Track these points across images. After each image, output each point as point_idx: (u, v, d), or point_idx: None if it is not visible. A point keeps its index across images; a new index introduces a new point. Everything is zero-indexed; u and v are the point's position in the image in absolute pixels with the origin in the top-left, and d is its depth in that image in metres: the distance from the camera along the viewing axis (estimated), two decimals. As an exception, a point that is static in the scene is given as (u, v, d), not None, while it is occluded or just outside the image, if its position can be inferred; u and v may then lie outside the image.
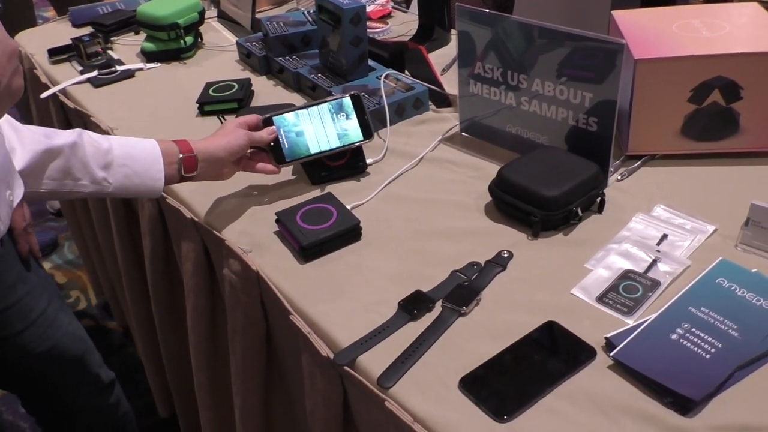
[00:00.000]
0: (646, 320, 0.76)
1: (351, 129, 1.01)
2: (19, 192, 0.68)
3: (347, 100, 1.06)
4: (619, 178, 1.02)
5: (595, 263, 0.87)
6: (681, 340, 0.73)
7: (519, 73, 1.04)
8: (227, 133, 0.99)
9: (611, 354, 0.73)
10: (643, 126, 1.03)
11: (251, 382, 1.02)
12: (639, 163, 1.05)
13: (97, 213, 1.55)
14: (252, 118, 1.04)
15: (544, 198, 0.90)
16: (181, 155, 0.95)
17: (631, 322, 0.78)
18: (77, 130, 0.90)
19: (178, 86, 1.46)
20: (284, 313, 0.86)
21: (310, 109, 1.06)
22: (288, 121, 1.05)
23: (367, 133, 1.06)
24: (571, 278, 0.85)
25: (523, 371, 0.74)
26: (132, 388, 1.81)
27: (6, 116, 0.78)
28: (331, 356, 0.79)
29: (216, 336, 1.15)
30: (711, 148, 1.04)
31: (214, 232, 1.00)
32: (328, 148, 1.01)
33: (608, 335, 0.75)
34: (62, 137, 0.88)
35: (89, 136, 0.91)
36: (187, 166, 0.96)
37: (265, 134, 1.02)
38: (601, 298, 0.82)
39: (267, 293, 0.91)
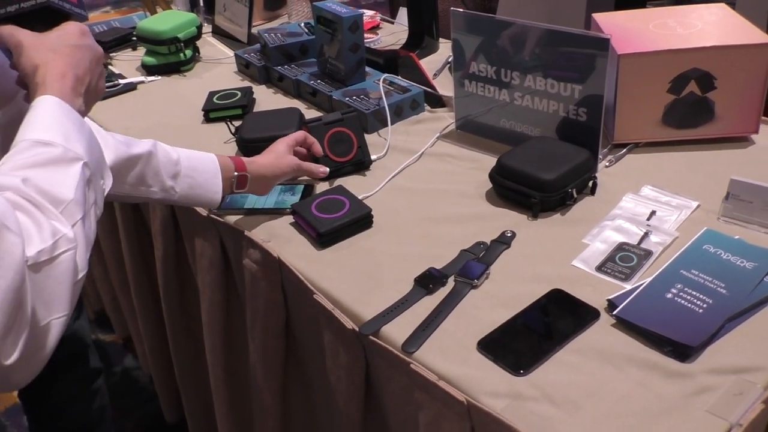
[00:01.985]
0: (643, 283, 0.84)
1: (289, 200, 1.08)
2: (108, 182, 0.74)
3: (300, 187, 1.12)
4: (607, 164, 1.11)
5: (591, 238, 0.94)
6: (676, 299, 0.80)
7: (512, 70, 1.12)
8: (279, 157, 1.06)
9: (614, 313, 0.80)
10: (628, 116, 1.12)
11: (270, 370, 1.07)
12: (625, 150, 1.13)
13: (103, 219, 1.59)
14: (300, 135, 1.11)
15: (543, 181, 0.98)
16: (236, 173, 1.01)
17: (629, 286, 0.85)
18: (151, 140, 0.96)
19: (181, 96, 1.52)
20: (306, 295, 0.92)
21: None
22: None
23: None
24: (571, 252, 0.92)
25: (534, 332, 0.81)
26: (135, 398, 1.84)
27: (91, 122, 0.85)
28: (356, 329, 0.85)
29: (231, 329, 1.20)
30: (690, 134, 1.13)
31: (234, 226, 1.06)
32: (260, 206, 1.08)
33: (610, 297, 0.82)
34: (140, 146, 0.93)
35: (162, 146, 0.97)
36: (240, 183, 1.02)
37: (315, 169, 1.10)
38: (600, 268, 0.89)
39: (288, 278, 0.97)
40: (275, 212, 1.07)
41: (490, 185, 1.07)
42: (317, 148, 1.13)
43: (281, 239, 1.01)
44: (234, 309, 1.18)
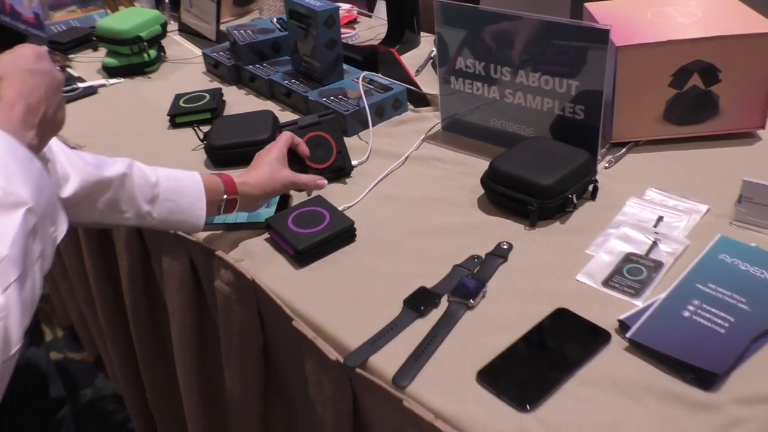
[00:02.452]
0: (656, 300, 0.76)
1: (264, 213, 0.98)
2: (63, 228, 0.63)
3: (275, 199, 1.02)
4: (606, 165, 1.03)
5: (595, 248, 0.87)
6: (694, 317, 0.73)
7: (502, 65, 1.04)
8: (273, 172, 0.95)
9: (627, 335, 0.72)
10: (627, 113, 1.04)
11: (249, 397, 0.98)
12: (624, 150, 1.06)
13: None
14: (288, 137, 1.01)
15: (540, 187, 0.90)
16: (225, 196, 0.91)
17: (640, 303, 0.77)
18: (127, 160, 0.85)
19: (145, 100, 1.41)
20: (284, 321, 0.83)
21: None
22: None
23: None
24: (574, 265, 0.85)
25: (539, 360, 0.73)
26: (107, 422, 1.74)
27: (57, 141, 0.74)
28: (341, 360, 0.76)
29: (205, 354, 1.10)
30: (693, 131, 1.05)
31: (203, 243, 0.96)
32: (232, 221, 0.98)
33: (621, 317, 0.74)
34: (113, 168, 0.82)
35: (138, 167, 0.86)
36: (228, 206, 0.92)
37: (312, 181, 1.00)
38: (607, 282, 0.81)
39: (264, 302, 0.88)
40: (248, 227, 0.98)
41: (482, 191, 0.99)
42: (304, 148, 1.03)
43: (256, 257, 0.92)
44: (208, 332, 1.09)
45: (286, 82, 1.30)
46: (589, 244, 0.88)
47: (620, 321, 0.74)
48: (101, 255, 1.33)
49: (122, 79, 1.50)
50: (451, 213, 0.97)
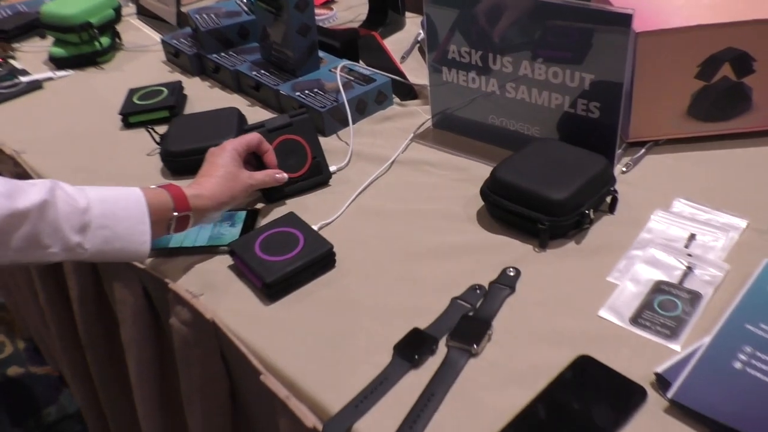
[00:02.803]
0: (698, 346, 0.63)
1: (228, 234, 0.84)
2: None
3: (242, 213, 0.88)
4: (624, 169, 0.89)
5: (619, 275, 0.73)
6: (747, 369, 0.60)
7: (502, 55, 0.89)
8: (230, 180, 0.82)
9: (668, 395, 0.59)
10: (646, 108, 0.90)
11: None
12: (643, 150, 0.92)
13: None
14: (252, 139, 0.87)
15: (552, 202, 0.76)
16: (176, 214, 0.76)
17: (678, 347, 0.64)
18: (48, 182, 0.70)
19: (97, 96, 1.25)
20: (252, 372, 0.69)
21: None
22: None
23: None
24: (595, 296, 0.71)
25: (564, 426, 0.59)
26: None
27: None
28: (319, 427, 0.62)
29: (167, 391, 0.97)
30: (721, 128, 0.92)
31: (153, 273, 0.82)
32: (190, 245, 0.83)
33: (658, 370, 0.61)
34: (29, 196, 0.67)
35: (63, 190, 0.71)
36: (180, 224, 0.78)
37: (270, 178, 0.87)
38: (636, 320, 0.68)
39: (228, 347, 0.74)
40: (208, 251, 0.83)
41: (481, 202, 0.85)
42: (271, 157, 0.89)
43: (217, 290, 0.78)
44: (170, 368, 0.95)
45: (254, 73, 1.15)
46: (611, 270, 0.74)
47: (658, 375, 0.61)
48: (51, 274, 1.18)
49: (71, 72, 1.34)
50: (446, 230, 0.83)
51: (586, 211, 0.77)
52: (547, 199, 0.76)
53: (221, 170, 0.82)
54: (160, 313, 0.89)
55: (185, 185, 0.80)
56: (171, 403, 0.97)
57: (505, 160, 0.83)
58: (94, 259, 0.74)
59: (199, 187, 0.80)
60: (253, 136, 0.87)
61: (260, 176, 0.86)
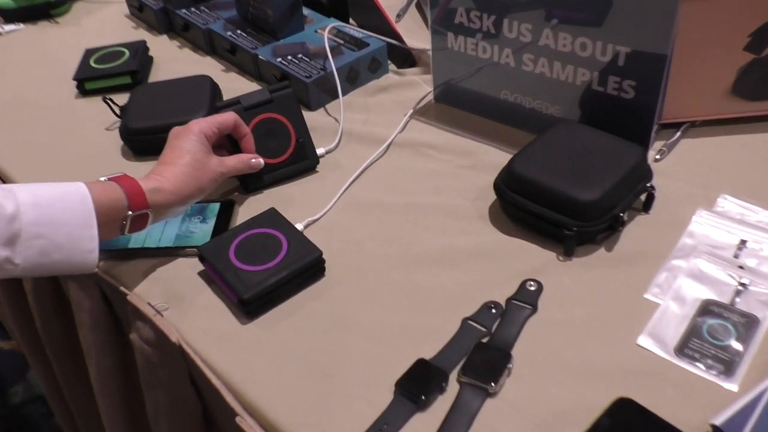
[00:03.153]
0: (761, 389, 0.53)
1: (198, 233, 0.72)
2: None
3: (215, 206, 0.75)
4: (657, 157, 0.77)
5: (659, 292, 0.62)
6: (824, 423, 0.50)
7: (520, 21, 0.76)
8: (198, 168, 0.69)
9: (730, 455, 0.49)
10: (685, 84, 0.78)
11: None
12: (679, 133, 0.80)
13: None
14: (227, 119, 0.73)
15: (581, 203, 0.64)
16: (130, 213, 0.64)
17: (734, 387, 0.54)
18: None
19: (50, 55, 1.10)
20: (227, 409, 0.58)
21: None
22: None
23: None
24: (631, 318, 0.60)
25: (601, 492, 0.49)
26: (39, 428, 1.51)
27: None
28: (307, 487, 0.52)
29: (134, 401, 0.86)
30: (768, 108, 0.80)
31: (109, 279, 0.70)
32: (152, 246, 0.71)
33: (716, 422, 0.51)
34: None
35: None
36: (136, 224, 0.65)
37: (245, 164, 0.75)
38: (682, 350, 0.57)
39: (198, 375, 0.62)
40: (175, 254, 0.71)
41: (492, 195, 0.73)
42: (251, 143, 0.76)
43: (185, 303, 0.66)
44: (135, 377, 0.84)
45: (229, 33, 1.00)
46: (649, 284, 0.63)
47: (714, 427, 0.51)
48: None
49: (22, 25, 1.18)
50: (452, 230, 0.71)
51: (621, 214, 0.65)
52: (575, 200, 0.65)
53: (186, 157, 0.69)
54: (122, 322, 0.77)
55: (142, 177, 0.67)
56: (137, 415, 0.86)
57: (524, 149, 0.71)
58: (30, 274, 0.62)
59: (159, 179, 0.67)
60: (228, 117, 0.73)
61: (232, 162, 0.73)
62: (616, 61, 0.71)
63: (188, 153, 0.69)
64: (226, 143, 0.76)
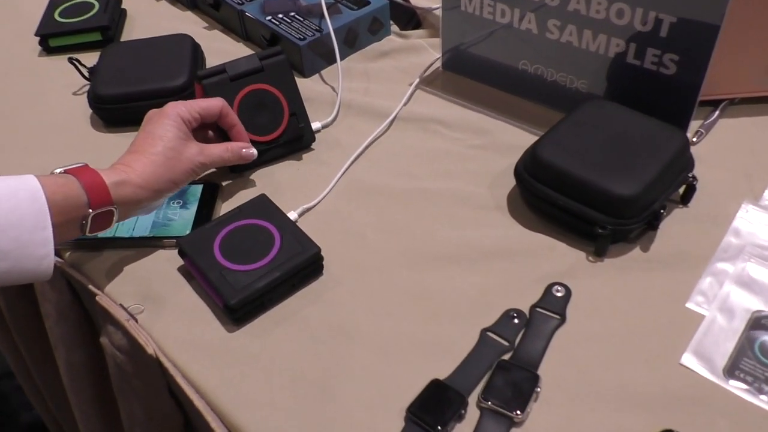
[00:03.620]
0: (828, 423, 0.46)
1: (178, 221, 0.63)
2: None
3: (196, 188, 0.66)
4: (694, 140, 0.69)
5: (703, 301, 0.55)
6: None
7: (547, -18, 0.66)
8: (171, 158, 0.59)
9: (797, 507, 0.42)
10: (728, 57, 0.69)
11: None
12: (717, 112, 0.72)
13: None
14: (212, 105, 0.63)
15: (617, 198, 0.56)
16: (91, 211, 0.54)
17: (794, 419, 0.48)
18: None
19: (8, 5, 0.98)
20: (210, 433, 0.51)
21: None
22: None
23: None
24: (673, 332, 0.53)
25: None
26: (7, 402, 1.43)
27: None
28: None
29: (109, 398, 0.78)
30: (818, 85, 0.71)
31: (75, 274, 0.61)
32: (125, 236, 0.62)
33: (779, 463, 0.44)
34: None
35: None
36: (98, 222, 0.55)
37: (234, 154, 0.65)
38: (732, 372, 0.50)
39: (179, 391, 0.54)
40: (150, 244, 0.62)
41: (510, 179, 0.65)
42: (241, 134, 0.66)
43: (162, 304, 0.58)
44: (108, 373, 0.76)
45: (211, -14, 0.89)
46: (691, 291, 0.56)
47: (777, 470, 0.44)
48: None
49: (-22, -29, 1.05)
50: (466, 221, 0.63)
51: (661, 211, 0.58)
52: (611, 194, 0.56)
53: (159, 145, 0.59)
54: (92, 316, 0.69)
55: (106, 168, 0.57)
56: (111, 413, 0.79)
57: (550, 132, 0.62)
58: None
59: (125, 170, 0.57)
60: (213, 103, 0.63)
61: (217, 151, 0.63)
62: (657, 32, 0.62)
63: (161, 140, 0.59)
64: (213, 128, 0.67)
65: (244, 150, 0.65)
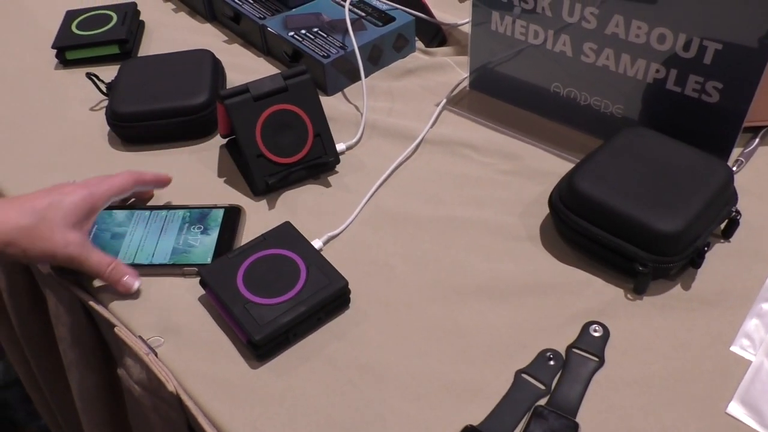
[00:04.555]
0: None
1: (199, 247, 0.61)
2: None
3: (218, 213, 0.64)
4: (734, 169, 0.67)
5: (749, 345, 0.53)
6: None
7: (584, 4, 0.64)
8: (34, 227, 0.55)
9: None
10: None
11: None
12: (758, 140, 0.69)
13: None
14: (122, 185, 0.61)
15: (661, 234, 0.54)
16: None
17: None
18: None
19: (28, 15, 0.97)
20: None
21: (155, 212, 0.65)
22: (113, 218, 0.64)
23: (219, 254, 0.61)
24: (717, 378, 0.51)
25: None
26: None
27: None
28: None
29: (121, 422, 0.76)
30: None
31: (91, 302, 0.59)
32: (144, 262, 0.60)
33: None
34: None
35: None
36: None
37: (107, 273, 0.58)
38: (782, 423, 0.48)
39: (198, 427, 0.52)
40: (170, 272, 0.60)
41: (543, 208, 0.63)
42: (156, 178, 0.65)
43: (183, 336, 0.56)
44: (122, 398, 0.74)
45: (232, -1, 0.87)
46: (735, 333, 0.53)
47: None
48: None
49: (-6, -21, 1.04)
50: (498, 252, 0.61)
51: (705, 248, 0.55)
52: (653, 230, 0.54)
53: (30, 214, 0.55)
54: (107, 341, 0.67)
55: None
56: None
57: (587, 161, 0.60)
58: None
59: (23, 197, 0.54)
60: (121, 183, 0.61)
61: (95, 259, 0.57)
62: (701, 58, 0.60)
63: (39, 212, 0.55)
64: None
65: (124, 279, 0.58)
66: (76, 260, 0.57)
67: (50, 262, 0.58)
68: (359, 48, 0.77)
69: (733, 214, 0.58)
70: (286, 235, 0.59)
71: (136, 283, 0.58)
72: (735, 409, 0.49)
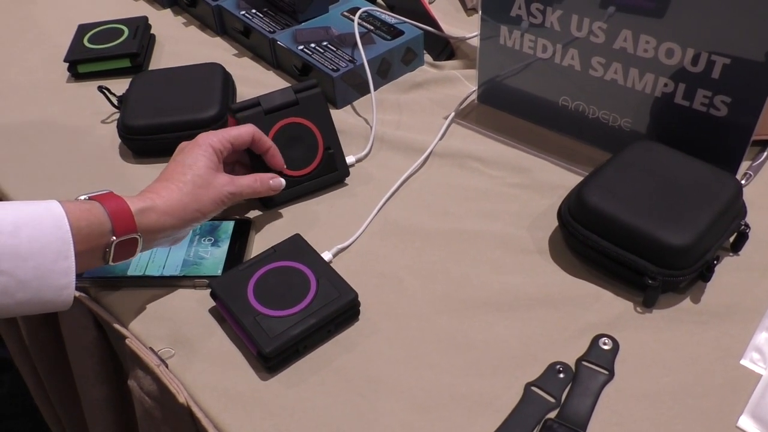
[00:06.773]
0: None
1: (210, 259, 0.61)
2: None
3: (228, 225, 0.64)
4: (743, 182, 0.67)
5: (759, 359, 0.53)
6: None
7: (593, 18, 0.64)
8: (200, 186, 0.58)
9: None
10: (778, 98, 0.67)
11: None
12: (766, 154, 0.69)
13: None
14: (243, 133, 0.62)
15: (670, 248, 0.54)
16: (115, 238, 0.53)
17: None
18: None
19: (38, 29, 0.98)
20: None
21: None
22: None
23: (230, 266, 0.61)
24: (727, 392, 0.51)
25: None
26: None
27: None
28: None
29: (130, 428, 0.77)
30: None
31: (102, 313, 0.60)
32: (155, 274, 0.60)
33: None
34: None
35: None
36: (122, 251, 0.54)
37: (262, 185, 0.63)
38: (793, 437, 0.48)
39: (208, 440, 0.53)
40: (180, 285, 0.61)
41: (551, 221, 0.63)
42: (276, 156, 0.65)
43: (193, 348, 0.56)
44: (132, 410, 0.74)
45: (242, 13, 0.88)
46: (745, 347, 0.53)
47: None
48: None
49: (6, -7, 1.05)
50: (507, 266, 0.61)
51: (714, 262, 0.55)
52: (663, 243, 0.54)
53: (188, 174, 0.58)
54: (118, 353, 0.67)
55: (132, 195, 0.56)
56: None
57: (596, 174, 0.60)
58: None
59: (151, 197, 0.56)
60: (245, 131, 0.62)
61: (247, 182, 0.62)
62: (709, 73, 0.60)
63: (190, 169, 0.58)
64: (245, 158, 0.65)
65: (271, 180, 0.63)
66: (236, 195, 0.61)
67: (221, 208, 0.61)
68: (368, 61, 0.77)
69: (742, 227, 0.58)
70: (296, 247, 0.60)
71: (280, 180, 0.65)
72: (745, 422, 0.49)
